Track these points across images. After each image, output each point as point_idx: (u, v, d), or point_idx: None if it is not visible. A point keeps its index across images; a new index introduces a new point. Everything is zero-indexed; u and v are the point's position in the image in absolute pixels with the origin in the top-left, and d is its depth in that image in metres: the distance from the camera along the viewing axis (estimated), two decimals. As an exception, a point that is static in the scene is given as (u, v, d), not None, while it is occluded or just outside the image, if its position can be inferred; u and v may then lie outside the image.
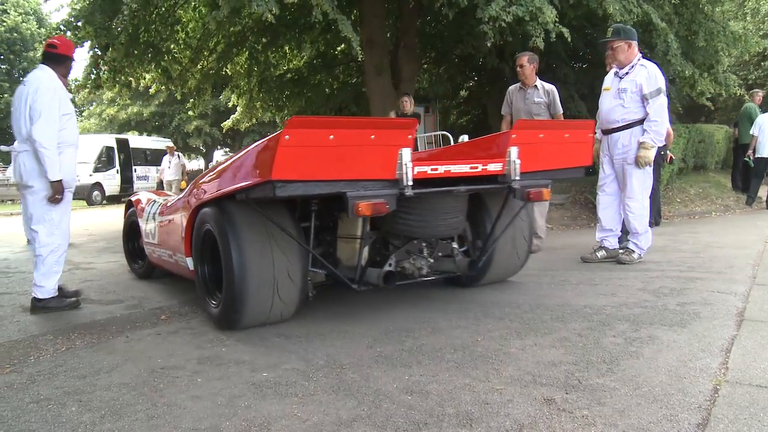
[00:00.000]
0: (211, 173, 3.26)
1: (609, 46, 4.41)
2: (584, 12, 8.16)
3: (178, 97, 13.94)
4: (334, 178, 2.57)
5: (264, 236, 2.90)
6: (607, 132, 4.54)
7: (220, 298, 3.05)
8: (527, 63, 5.18)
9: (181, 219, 3.58)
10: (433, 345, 2.59)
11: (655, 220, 6.55)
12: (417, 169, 2.77)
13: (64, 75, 3.69)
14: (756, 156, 8.92)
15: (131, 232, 5.02)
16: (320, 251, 3.27)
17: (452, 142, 9.60)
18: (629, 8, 7.33)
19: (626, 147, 4.39)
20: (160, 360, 2.57)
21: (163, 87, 12.25)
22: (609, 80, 4.58)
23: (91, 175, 19.23)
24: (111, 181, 20.04)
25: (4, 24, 30.57)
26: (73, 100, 13.48)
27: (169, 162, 14.97)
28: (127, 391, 2.20)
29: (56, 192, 3.52)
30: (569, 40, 7.29)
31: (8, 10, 31.12)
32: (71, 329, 3.19)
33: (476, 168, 3.04)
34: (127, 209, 5.14)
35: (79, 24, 8.86)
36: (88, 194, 18.89)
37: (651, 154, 4.29)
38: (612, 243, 4.66)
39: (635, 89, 4.30)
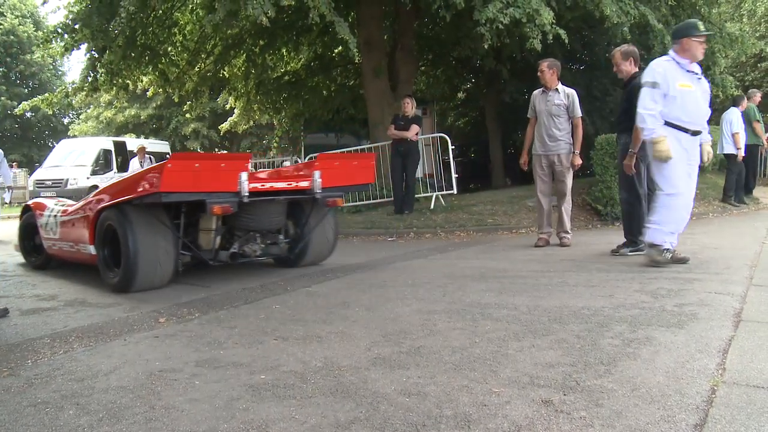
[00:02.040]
0: (109, 185, 4.55)
1: (704, 40, 4.27)
2: (581, 14, 8.19)
3: (176, 100, 13.93)
4: (199, 190, 3.93)
5: (150, 228, 4.18)
6: (697, 133, 4.31)
7: (117, 272, 4.29)
8: (546, 68, 5.65)
9: (85, 218, 4.70)
10: (430, 347, 2.59)
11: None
12: (251, 185, 4.16)
13: None
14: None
15: (27, 231, 5.94)
16: (188, 239, 4.50)
17: (450, 144, 9.62)
18: (626, 10, 7.36)
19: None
20: (158, 363, 2.56)
21: (161, 89, 12.24)
22: (682, 76, 4.19)
23: (88, 178, 19.12)
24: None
25: (1, 27, 30.56)
26: (70, 103, 13.45)
27: (141, 164, 12.36)
28: (125, 394, 2.20)
29: None
30: (566, 41, 7.31)
31: (5, 13, 31.10)
32: (69, 332, 3.19)
33: (291, 184, 4.55)
34: (23, 213, 6.08)
35: (77, 26, 8.87)
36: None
37: None
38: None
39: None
